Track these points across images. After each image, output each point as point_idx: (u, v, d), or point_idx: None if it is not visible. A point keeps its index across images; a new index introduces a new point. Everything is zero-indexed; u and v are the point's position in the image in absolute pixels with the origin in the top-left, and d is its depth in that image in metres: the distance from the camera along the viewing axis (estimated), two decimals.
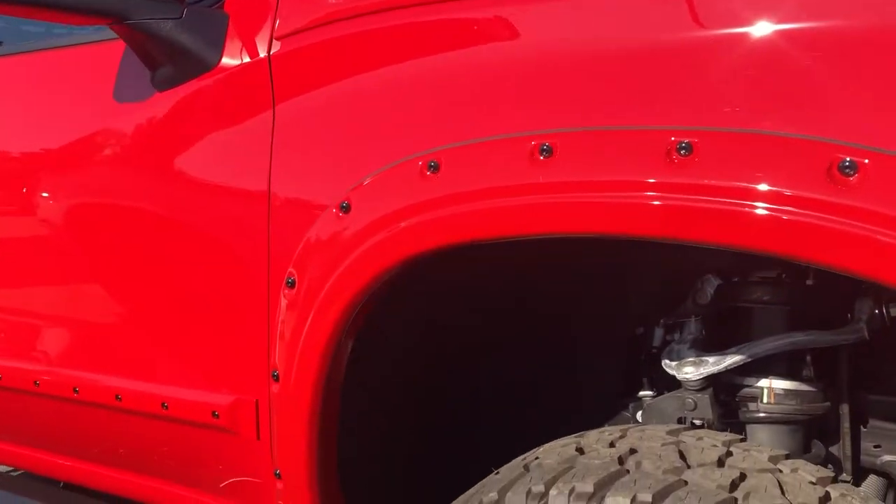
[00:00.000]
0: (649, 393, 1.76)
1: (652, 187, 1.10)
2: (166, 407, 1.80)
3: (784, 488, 1.20)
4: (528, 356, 1.89)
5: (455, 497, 1.39)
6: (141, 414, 1.87)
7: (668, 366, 1.60)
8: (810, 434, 1.61)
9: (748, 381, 1.59)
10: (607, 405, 1.82)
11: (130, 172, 1.81)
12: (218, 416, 1.71)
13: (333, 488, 1.59)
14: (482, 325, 1.72)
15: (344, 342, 1.46)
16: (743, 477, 1.21)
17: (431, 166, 1.31)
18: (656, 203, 1.10)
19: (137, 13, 1.60)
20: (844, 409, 1.63)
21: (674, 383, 1.63)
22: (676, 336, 1.68)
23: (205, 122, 1.70)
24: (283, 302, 1.52)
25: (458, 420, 1.81)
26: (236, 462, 1.76)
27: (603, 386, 1.87)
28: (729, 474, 1.21)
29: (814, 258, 1.01)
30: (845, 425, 1.64)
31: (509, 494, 1.28)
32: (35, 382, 2.03)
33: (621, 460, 1.27)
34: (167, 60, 1.68)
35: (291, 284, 1.51)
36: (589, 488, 1.20)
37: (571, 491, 1.21)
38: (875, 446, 1.66)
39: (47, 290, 2.03)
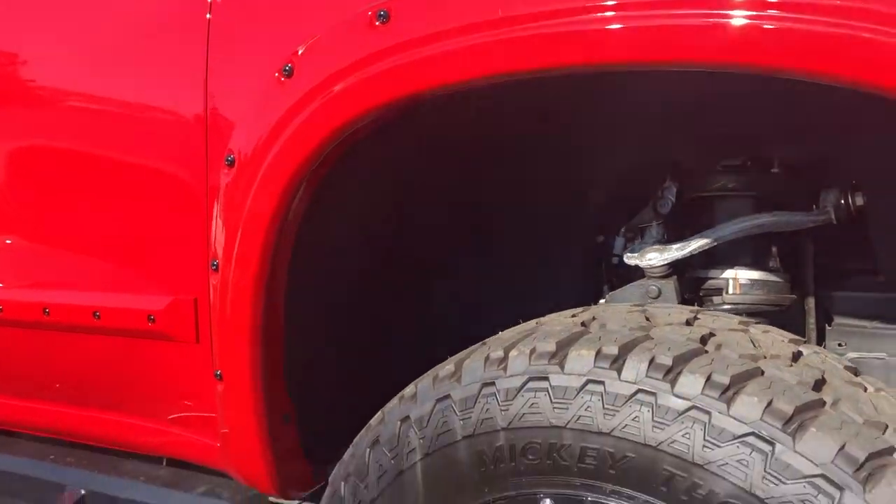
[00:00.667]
0: None
1: (618, 7, 1.03)
2: (98, 316, 1.68)
3: (756, 344, 1.14)
4: (484, 265, 1.81)
5: None
6: (71, 328, 1.75)
7: (631, 257, 1.55)
8: None
9: (713, 273, 1.54)
10: None
11: (52, 54, 1.68)
12: (154, 321, 1.60)
13: (278, 388, 1.49)
14: (433, 220, 1.64)
15: (290, 217, 1.36)
16: (712, 334, 1.15)
17: (381, 16, 1.22)
18: (628, 25, 1.03)
19: None
20: (810, 303, 1.60)
21: None
22: (638, 241, 1.63)
23: None
24: (223, 182, 1.42)
25: (408, 323, 1.72)
26: (175, 373, 1.65)
27: (563, 295, 1.80)
28: (699, 331, 1.15)
29: (807, 67, 0.95)
30: (811, 321, 1.60)
31: (467, 362, 1.20)
32: None
33: (584, 324, 1.20)
34: None
35: (231, 162, 1.41)
36: (551, 347, 1.13)
37: (532, 351, 1.14)
38: (839, 344, 1.62)
39: None
